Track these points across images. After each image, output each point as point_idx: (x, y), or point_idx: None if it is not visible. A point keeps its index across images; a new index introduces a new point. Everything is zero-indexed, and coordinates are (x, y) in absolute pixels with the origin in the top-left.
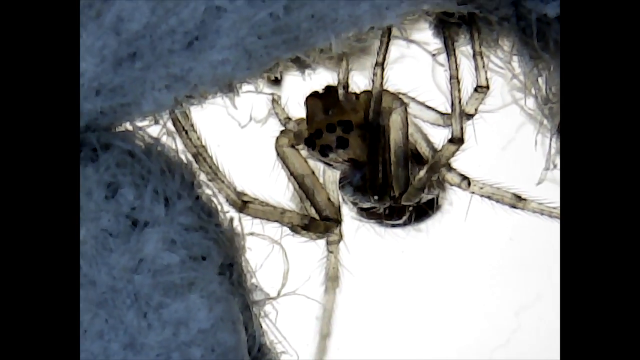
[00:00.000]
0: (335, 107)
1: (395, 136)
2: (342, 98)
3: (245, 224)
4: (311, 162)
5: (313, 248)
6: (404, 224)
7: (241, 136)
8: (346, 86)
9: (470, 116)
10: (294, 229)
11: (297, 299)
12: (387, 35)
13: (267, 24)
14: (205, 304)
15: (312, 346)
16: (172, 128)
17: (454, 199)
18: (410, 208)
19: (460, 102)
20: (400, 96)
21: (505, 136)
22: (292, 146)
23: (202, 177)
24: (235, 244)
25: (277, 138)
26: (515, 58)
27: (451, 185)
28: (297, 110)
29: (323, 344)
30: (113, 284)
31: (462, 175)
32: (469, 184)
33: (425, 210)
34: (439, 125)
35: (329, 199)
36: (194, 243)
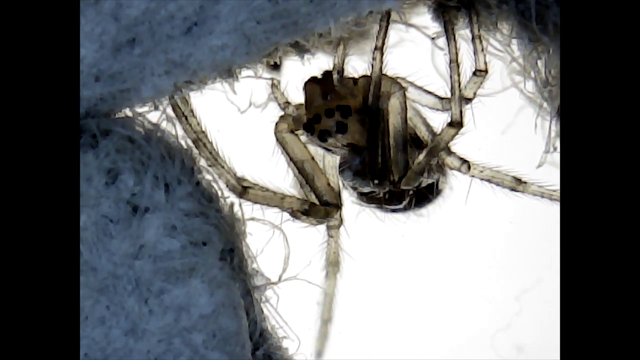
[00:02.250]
0: (334, 92)
1: (394, 120)
2: (336, 83)
3: (246, 209)
4: (311, 148)
5: (313, 233)
6: (404, 208)
7: (241, 121)
8: (341, 71)
9: (469, 100)
10: (294, 214)
11: (298, 283)
12: (386, 20)
13: (266, 9)
14: (207, 290)
15: (314, 331)
16: (172, 114)
17: (454, 183)
18: (410, 192)
19: (459, 85)
20: (399, 80)
21: (505, 119)
22: (292, 131)
23: (202, 162)
24: (236, 230)
25: (277, 123)
26: (514, 41)
27: (451, 169)
28: (297, 95)
29: (324, 329)
30: (114, 270)
31: (461, 158)
32: (469, 167)
33: (425, 195)
34: (438, 109)
35: (328, 184)
36: (194, 228)
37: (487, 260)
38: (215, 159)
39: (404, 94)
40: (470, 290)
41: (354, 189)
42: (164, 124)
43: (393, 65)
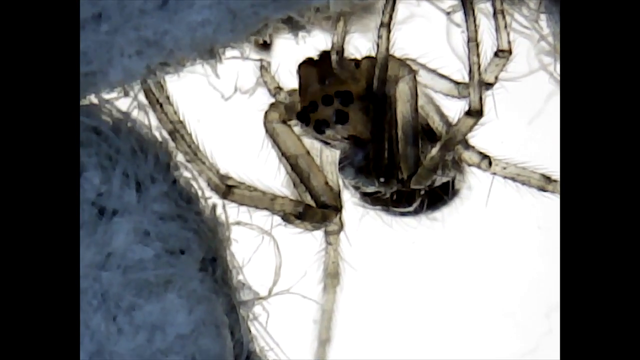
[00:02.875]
0: (332, 76)
1: (403, 109)
2: (335, 65)
3: (230, 212)
4: (306, 140)
5: (309, 240)
6: (415, 212)
7: (225, 110)
8: (341, 51)
9: (490, 85)
10: (286, 217)
11: (292, 298)
12: None
13: None
14: (185, 305)
15: (309, 354)
16: (145, 101)
17: (473, 182)
18: (422, 193)
19: (479, 68)
20: (409, 62)
21: (532, 108)
22: (284, 122)
23: (180, 157)
24: (219, 236)
25: (267, 112)
26: (542, 16)
27: (469, 165)
28: (290, 80)
29: (322, 350)
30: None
31: (481, 153)
32: (490, 163)
33: (439, 196)
34: (454, 96)
35: (327, 182)
36: (170, 234)
37: (512, 273)
38: (194, 154)
39: (414, 78)
40: (493, 307)
41: (357, 188)
42: (135, 113)
43: (402, 45)
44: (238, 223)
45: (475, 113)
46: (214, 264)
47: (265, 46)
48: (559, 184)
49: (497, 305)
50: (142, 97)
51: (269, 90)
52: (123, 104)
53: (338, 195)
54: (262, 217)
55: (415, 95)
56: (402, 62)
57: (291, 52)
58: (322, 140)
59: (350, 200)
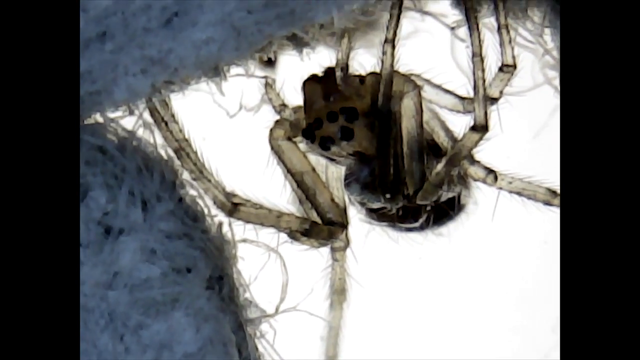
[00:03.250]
0: (337, 93)
1: (408, 124)
2: (340, 82)
3: (237, 229)
4: (311, 157)
5: (315, 257)
6: (421, 227)
7: (230, 127)
8: (345, 68)
9: (495, 100)
10: (292, 235)
11: (298, 316)
12: (397, 7)
13: None
14: (192, 324)
15: None
16: (150, 119)
17: (479, 197)
18: (428, 208)
19: (483, 83)
20: (414, 78)
21: (537, 122)
22: (289, 139)
23: (186, 175)
24: (225, 254)
25: (272, 129)
26: (547, 31)
27: (475, 180)
28: (294, 97)
29: None
30: (84, 302)
31: (487, 168)
32: (496, 178)
33: (445, 211)
34: (458, 111)
35: (332, 199)
36: (177, 253)
37: (519, 287)
38: (200, 172)
39: (419, 94)
40: (500, 322)
41: (362, 204)
42: (141, 131)
43: (406, 61)
44: (244, 241)
45: (480, 128)
46: (221, 282)
47: (270, 63)
48: None
49: (504, 320)
50: (147, 115)
51: (274, 108)
52: (128, 122)
53: (344, 212)
54: (269, 235)
55: (420, 111)
56: (407, 78)
57: (296, 69)
58: (327, 157)
59: (356, 216)
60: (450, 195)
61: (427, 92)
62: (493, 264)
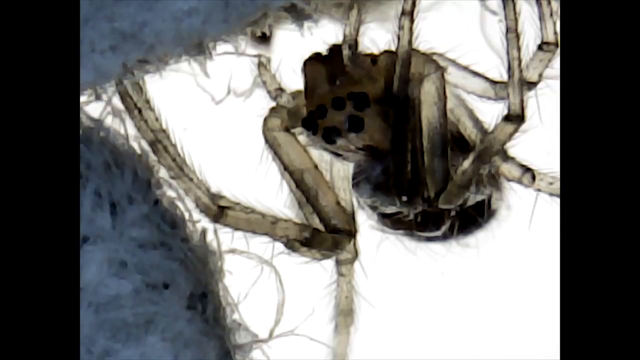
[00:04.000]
0: (344, 75)
1: (428, 113)
2: (347, 62)
3: (223, 238)
4: (313, 152)
5: (317, 271)
6: (444, 236)
7: (216, 115)
8: (354, 45)
9: (533, 84)
10: (290, 244)
11: (297, 341)
12: None
13: None
14: (169, 350)
15: None
16: (120, 105)
17: (513, 201)
18: (452, 214)
19: (519, 65)
20: (436, 58)
21: None
22: (287, 129)
23: (163, 173)
24: (210, 266)
25: (266, 118)
26: None
27: (509, 180)
28: (293, 80)
29: None
30: None
31: (523, 166)
32: (534, 178)
33: (472, 217)
34: (489, 97)
35: (338, 202)
36: (152, 265)
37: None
38: (180, 169)
39: (443, 77)
40: (534, 345)
41: (374, 208)
42: (109, 120)
43: (427, 37)
44: (232, 251)
45: (515, 118)
46: (204, 301)
47: (264, 39)
48: None
49: (538, 343)
50: (117, 101)
51: (269, 92)
52: (94, 109)
53: (352, 218)
54: (261, 244)
55: (443, 97)
56: (428, 58)
57: (295, 46)
58: (332, 152)
59: (366, 223)
60: (479, 198)
61: (452, 75)
62: (529, 280)
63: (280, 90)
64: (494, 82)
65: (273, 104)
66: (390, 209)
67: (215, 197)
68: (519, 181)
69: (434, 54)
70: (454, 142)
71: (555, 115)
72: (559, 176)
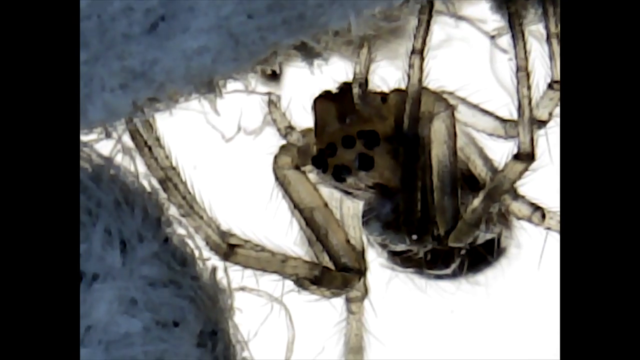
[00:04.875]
0: (354, 113)
1: (438, 152)
2: (357, 100)
3: (233, 276)
4: (323, 190)
5: (327, 309)
6: (454, 274)
7: (226, 153)
8: (364, 83)
9: (543, 123)
10: (300, 282)
11: None
12: (427, 11)
13: None
14: None
15: None
16: (131, 143)
17: (523, 239)
18: (462, 252)
19: (530, 103)
20: (446, 96)
21: None
22: (297, 167)
23: (173, 211)
24: (220, 304)
25: (276, 156)
26: None
27: (518, 219)
28: (303, 118)
29: None
30: None
31: (533, 204)
32: (544, 216)
33: (482, 255)
34: (499, 136)
35: (348, 240)
36: (162, 303)
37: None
38: (190, 207)
39: (452, 115)
40: None
41: (384, 246)
42: (120, 158)
43: (437, 75)
44: (242, 289)
45: (525, 156)
46: (214, 338)
47: (274, 77)
48: None
49: None
50: (127, 138)
51: (279, 130)
52: (105, 147)
53: (361, 256)
54: (271, 282)
55: (453, 135)
56: (438, 96)
57: (305, 84)
58: (342, 190)
59: (375, 260)
60: (489, 236)
61: (462, 113)
62: (538, 319)
63: (291, 128)
64: (504, 121)
65: (283, 142)
66: (400, 247)
67: (225, 235)
68: (529, 219)
69: (444, 92)
70: (464, 181)
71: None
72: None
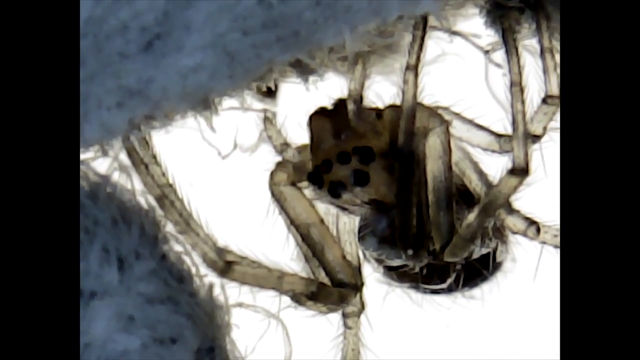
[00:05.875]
0: (349, 129)
1: (433, 167)
2: (352, 116)
3: (230, 292)
4: (319, 206)
5: (324, 324)
6: (450, 289)
7: (222, 170)
8: (359, 99)
9: (537, 137)
10: (297, 298)
11: None
12: (421, 27)
13: (256, 15)
14: None
15: None
16: (127, 161)
17: (518, 253)
18: (458, 267)
19: (524, 118)
20: (440, 111)
21: None
22: (293, 184)
23: (170, 228)
24: (217, 321)
25: (272, 173)
26: None
27: (514, 233)
28: (299, 134)
29: None
30: None
31: (528, 219)
32: (539, 230)
33: (478, 270)
34: (494, 150)
35: (344, 256)
36: (159, 320)
37: None
38: (187, 224)
39: (447, 130)
40: None
41: (380, 262)
42: (116, 176)
43: (432, 90)
44: (239, 305)
45: (520, 171)
46: (212, 355)
47: (270, 94)
48: None
49: None
50: (124, 156)
51: (275, 147)
52: (101, 165)
53: (358, 271)
54: (268, 298)
55: (448, 151)
56: (433, 112)
57: (300, 100)
58: (338, 206)
59: (372, 275)
60: (484, 251)
61: (457, 128)
62: (534, 333)
63: (286, 144)
64: (498, 136)
65: (279, 158)
66: (396, 262)
67: (221, 251)
68: (524, 234)
69: (439, 107)
70: (459, 196)
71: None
72: None
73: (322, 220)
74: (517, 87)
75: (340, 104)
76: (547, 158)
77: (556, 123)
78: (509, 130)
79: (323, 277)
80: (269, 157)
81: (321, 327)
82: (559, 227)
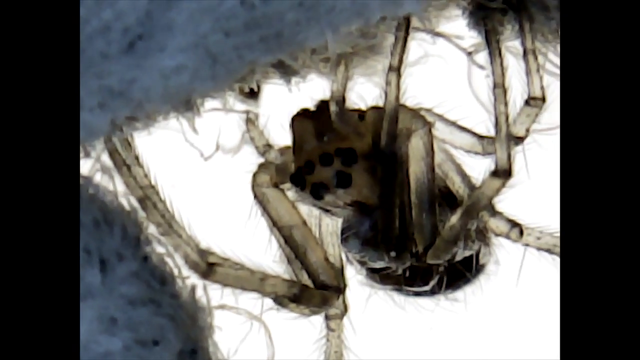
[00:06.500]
0: (332, 131)
1: (416, 169)
2: (335, 117)
3: (213, 294)
4: (302, 208)
5: (306, 326)
6: (432, 291)
7: (204, 172)
8: (342, 101)
9: (520, 139)
10: (279, 300)
11: None
12: (404, 28)
13: (238, 16)
14: None
15: None
16: (109, 162)
17: (501, 256)
18: (440, 269)
19: (507, 120)
20: (423, 113)
21: None
22: (275, 185)
23: (152, 230)
24: (199, 323)
25: (255, 174)
26: None
27: (496, 235)
28: (281, 135)
29: None
30: None
31: (511, 221)
32: (522, 233)
33: (460, 272)
34: (477, 152)
35: (326, 258)
36: (141, 322)
37: None
38: (169, 225)
39: (430, 132)
40: None
41: (362, 264)
42: (98, 177)
43: (414, 92)
44: (222, 307)
45: (502, 173)
46: (194, 357)
47: (252, 95)
48: None
49: None
50: (106, 158)
51: (257, 148)
52: (83, 166)
53: (340, 273)
54: (251, 300)
55: (431, 153)
56: (415, 113)
57: (283, 102)
58: (320, 207)
59: (354, 278)
60: (467, 253)
61: (440, 130)
62: (518, 336)
63: (269, 146)
64: (481, 137)
65: (261, 160)
66: (379, 264)
67: (204, 253)
68: (507, 236)
69: (422, 109)
70: (442, 197)
71: (543, 170)
72: (546, 231)
73: (304, 222)
74: (500, 88)
75: (323, 105)
76: (529, 160)
77: (541, 126)
78: (491, 132)
79: (306, 280)
80: (251, 159)
81: (304, 329)
82: (544, 230)
